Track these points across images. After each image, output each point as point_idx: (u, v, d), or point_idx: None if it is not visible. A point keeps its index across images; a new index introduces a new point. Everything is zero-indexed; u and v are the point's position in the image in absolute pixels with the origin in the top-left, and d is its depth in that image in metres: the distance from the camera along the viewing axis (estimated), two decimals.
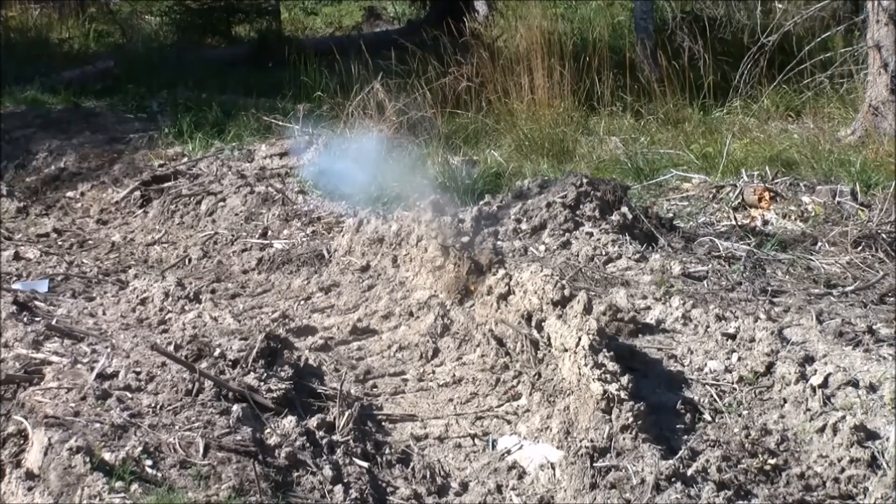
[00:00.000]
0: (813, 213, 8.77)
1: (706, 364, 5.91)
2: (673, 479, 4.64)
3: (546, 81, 11.73)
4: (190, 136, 12.04)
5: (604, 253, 7.86)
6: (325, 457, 4.97)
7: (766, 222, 8.81)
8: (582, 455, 4.82)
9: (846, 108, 11.57)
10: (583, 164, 10.54)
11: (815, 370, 5.56)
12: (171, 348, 5.69)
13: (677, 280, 7.29)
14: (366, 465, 5.02)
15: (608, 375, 5.20)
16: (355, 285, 7.48)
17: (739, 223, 8.73)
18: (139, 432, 4.85)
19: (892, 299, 7.13)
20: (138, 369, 5.53)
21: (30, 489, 4.43)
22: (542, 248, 8.10)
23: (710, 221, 8.99)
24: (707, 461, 4.85)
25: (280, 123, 12.18)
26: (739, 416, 5.42)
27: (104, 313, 7.14)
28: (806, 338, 6.06)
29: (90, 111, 13.35)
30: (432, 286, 7.03)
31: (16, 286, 7.59)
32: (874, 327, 6.27)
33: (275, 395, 5.42)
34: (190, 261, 8.69)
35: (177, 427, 4.96)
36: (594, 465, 4.78)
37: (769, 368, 5.73)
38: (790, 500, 4.73)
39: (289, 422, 5.15)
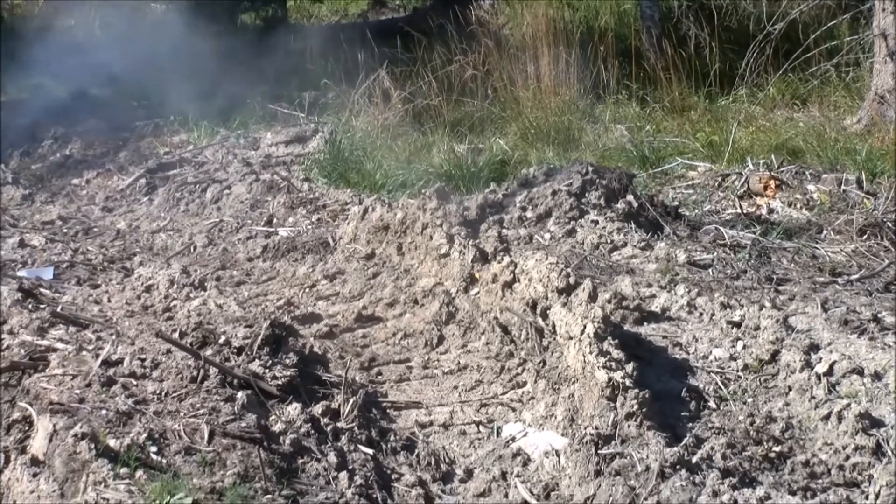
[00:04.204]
0: (818, 202, 8.76)
1: (711, 352, 5.91)
2: (678, 467, 4.63)
3: (552, 69, 11.71)
4: (195, 123, 12.05)
5: (609, 241, 7.86)
6: (329, 444, 4.97)
7: (771, 210, 8.80)
8: (587, 442, 4.81)
9: (852, 96, 11.54)
10: (588, 153, 10.53)
11: (821, 358, 5.56)
12: (175, 335, 5.70)
13: (682, 268, 7.29)
14: (370, 451, 5.02)
15: (613, 363, 5.19)
16: (360, 273, 7.48)
17: (745, 211, 8.72)
18: (144, 419, 4.85)
19: None
20: (143, 356, 5.54)
21: (35, 475, 4.43)
22: (547, 236, 8.10)
23: (716, 210, 8.98)
24: (712, 448, 4.84)
25: (285, 111, 12.18)
26: (744, 403, 5.42)
27: (109, 300, 7.15)
28: (811, 326, 6.05)
29: (95, 98, 13.35)
30: (437, 274, 7.03)
31: (21, 273, 7.60)
32: (879, 315, 6.26)
33: (280, 382, 5.42)
34: (195, 248, 8.69)
35: (182, 414, 4.96)
36: (599, 452, 4.77)
37: (774, 356, 5.72)
38: (795, 488, 4.72)
39: (293, 409, 5.15)
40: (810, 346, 5.68)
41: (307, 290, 7.43)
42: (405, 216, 7.69)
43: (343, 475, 4.74)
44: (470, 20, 13.17)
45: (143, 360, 5.49)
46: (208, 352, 5.52)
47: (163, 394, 5.17)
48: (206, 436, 4.77)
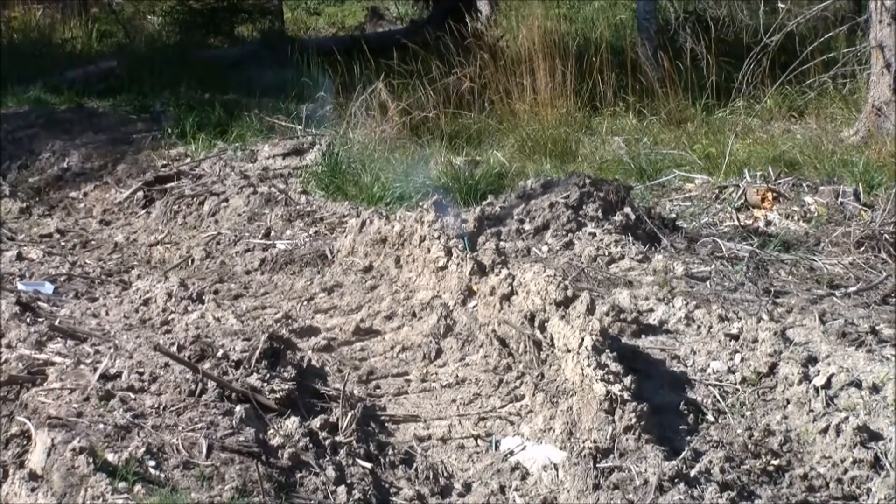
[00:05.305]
0: (816, 214, 8.77)
1: (709, 365, 5.91)
2: (676, 480, 4.63)
3: (549, 82, 11.73)
4: (193, 136, 12.04)
5: (607, 253, 7.86)
6: (328, 458, 4.97)
7: (768, 223, 8.81)
8: (585, 456, 4.81)
9: (849, 108, 11.56)
10: (585, 165, 10.54)
11: (818, 371, 5.56)
12: (174, 349, 5.69)
13: (680, 281, 7.29)
14: (369, 465, 5.02)
15: (611, 376, 5.19)
16: (358, 286, 7.48)
17: (742, 224, 8.73)
18: (142, 433, 4.84)
19: (894, 300, 7.12)
20: (141, 370, 5.53)
21: (33, 490, 4.42)
22: (544, 248, 8.10)
23: (713, 222, 8.98)
24: (710, 462, 4.84)
25: (283, 124, 12.18)
26: (742, 416, 5.42)
27: (107, 314, 7.14)
28: (809, 338, 6.06)
29: (93, 111, 13.35)
30: (435, 287, 7.03)
31: (19, 286, 7.58)
32: (877, 328, 6.27)
33: (278, 395, 5.42)
34: (193, 261, 8.69)
35: (180, 428, 4.96)
36: (597, 465, 4.78)
37: (772, 369, 5.72)
38: (793, 501, 4.73)
39: (292, 423, 5.15)
40: (808, 359, 5.69)
41: (305, 303, 7.43)
42: (403, 229, 7.68)
43: (341, 489, 4.74)
44: (467, 33, 13.20)
45: (141, 374, 5.48)
46: (206, 365, 5.52)
47: (161, 408, 5.17)
48: (204, 450, 4.76)
